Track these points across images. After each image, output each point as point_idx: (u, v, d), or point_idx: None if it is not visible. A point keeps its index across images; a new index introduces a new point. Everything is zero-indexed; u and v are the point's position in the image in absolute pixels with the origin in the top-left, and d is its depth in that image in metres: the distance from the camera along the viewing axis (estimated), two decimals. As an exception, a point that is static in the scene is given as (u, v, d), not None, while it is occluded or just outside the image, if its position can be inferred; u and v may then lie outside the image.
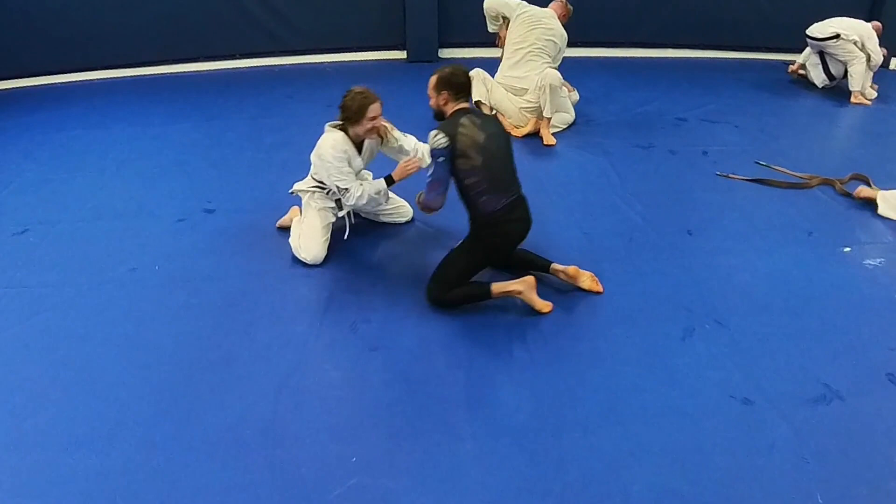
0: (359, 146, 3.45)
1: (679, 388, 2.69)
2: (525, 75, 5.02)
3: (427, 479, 2.29)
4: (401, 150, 3.58)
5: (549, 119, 4.98)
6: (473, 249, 3.13)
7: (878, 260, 3.56)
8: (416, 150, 3.56)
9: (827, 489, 2.25)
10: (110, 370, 2.78)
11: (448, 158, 3.01)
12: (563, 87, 5.07)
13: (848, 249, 3.66)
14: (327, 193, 3.51)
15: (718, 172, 4.48)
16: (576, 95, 5.47)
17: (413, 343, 2.92)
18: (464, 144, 2.99)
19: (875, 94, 6.10)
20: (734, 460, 2.37)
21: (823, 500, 2.22)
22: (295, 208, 3.78)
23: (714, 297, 3.25)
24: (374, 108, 3.32)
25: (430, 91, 3.19)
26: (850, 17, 6.13)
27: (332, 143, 3.34)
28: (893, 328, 3.06)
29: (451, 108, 3.17)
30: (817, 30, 6.09)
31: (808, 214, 4.03)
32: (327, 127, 3.44)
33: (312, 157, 3.47)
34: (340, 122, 3.39)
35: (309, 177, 3.58)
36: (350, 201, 3.37)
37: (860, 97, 5.98)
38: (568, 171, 4.58)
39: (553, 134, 5.03)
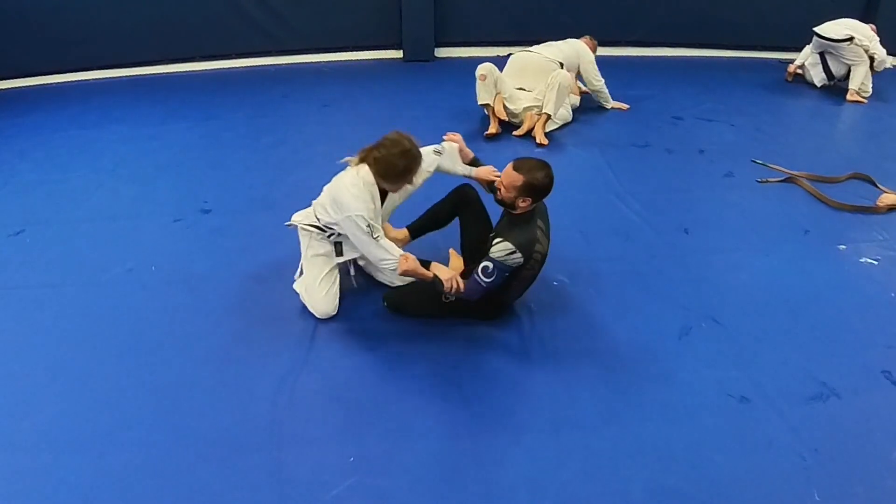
0: (383, 193, 2.95)
1: (676, 386, 2.70)
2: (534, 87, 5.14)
3: (425, 478, 2.29)
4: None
5: (548, 117, 4.99)
6: (443, 309, 2.99)
7: (874, 258, 3.57)
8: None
9: (824, 487, 2.25)
10: (107, 371, 2.77)
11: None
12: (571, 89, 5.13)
13: (844, 247, 3.67)
14: (329, 237, 3.04)
15: (759, 179, 4.43)
16: (577, 101, 5.47)
17: (409, 342, 2.92)
18: (534, 261, 2.83)
19: (869, 91, 6.10)
20: (732, 458, 2.37)
21: (821, 497, 2.22)
22: None
23: (711, 295, 3.26)
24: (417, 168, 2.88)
25: (510, 188, 2.78)
26: (846, 17, 6.14)
27: (353, 182, 2.81)
28: (890, 326, 3.06)
29: (524, 209, 2.85)
30: (831, 30, 6.04)
31: (805, 212, 4.03)
32: (352, 164, 2.93)
33: (326, 197, 2.94)
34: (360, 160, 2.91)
35: (312, 211, 3.06)
36: (386, 266, 2.88)
37: (856, 95, 5.99)
38: (564, 170, 4.54)
39: (549, 132, 5.03)
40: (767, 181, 4.39)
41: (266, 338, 2.95)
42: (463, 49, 7.05)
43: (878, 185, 4.31)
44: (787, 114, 5.85)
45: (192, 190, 4.25)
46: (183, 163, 4.65)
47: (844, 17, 6.13)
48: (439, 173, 3.20)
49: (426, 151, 3.03)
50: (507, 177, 2.80)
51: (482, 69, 4.95)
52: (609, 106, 5.63)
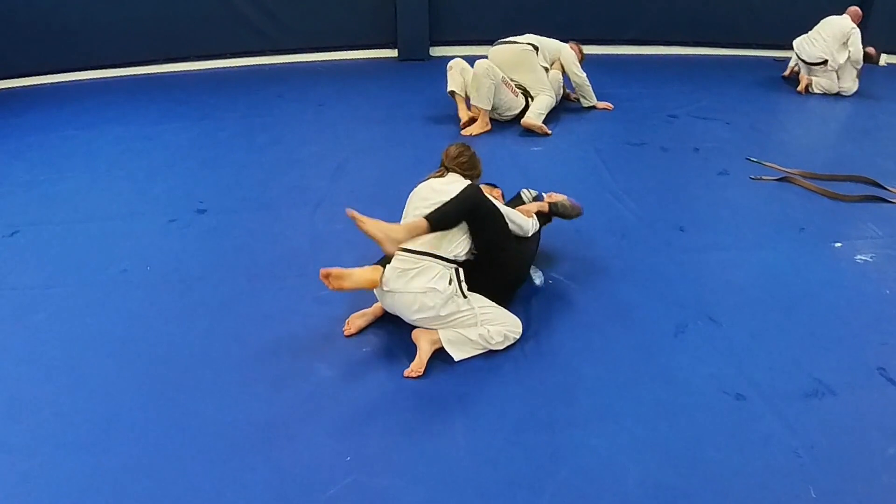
0: None
1: (672, 383, 2.70)
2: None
3: (422, 476, 2.29)
4: None
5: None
6: None
7: (869, 255, 3.58)
8: None
9: (820, 483, 2.26)
10: (102, 371, 2.76)
11: None
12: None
13: (839, 245, 3.68)
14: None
15: (752, 177, 4.44)
16: (558, 75, 5.43)
17: (405, 341, 2.91)
18: None
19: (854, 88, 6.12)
20: (727, 455, 2.37)
21: (816, 493, 2.23)
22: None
23: (706, 293, 3.26)
24: None
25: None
26: (840, 13, 6.15)
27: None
28: (884, 323, 3.07)
29: None
30: (806, 52, 6.11)
31: (800, 210, 4.04)
32: (433, 177, 3.10)
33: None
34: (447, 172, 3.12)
35: (455, 249, 2.84)
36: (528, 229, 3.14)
37: (805, 82, 6.07)
38: (559, 168, 4.59)
39: (541, 117, 5.08)
40: (761, 178, 4.40)
41: (262, 337, 2.95)
42: (458, 48, 7.04)
43: (886, 187, 4.29)
44: (781, 111, 5.86)
45: (187, 190, 4.24)
46: (178, 163, 4.64)
47: (839, 13, 6.14)
48: None
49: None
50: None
51: (451, 62, 5.16)
52: (587, 104, 5.54)
